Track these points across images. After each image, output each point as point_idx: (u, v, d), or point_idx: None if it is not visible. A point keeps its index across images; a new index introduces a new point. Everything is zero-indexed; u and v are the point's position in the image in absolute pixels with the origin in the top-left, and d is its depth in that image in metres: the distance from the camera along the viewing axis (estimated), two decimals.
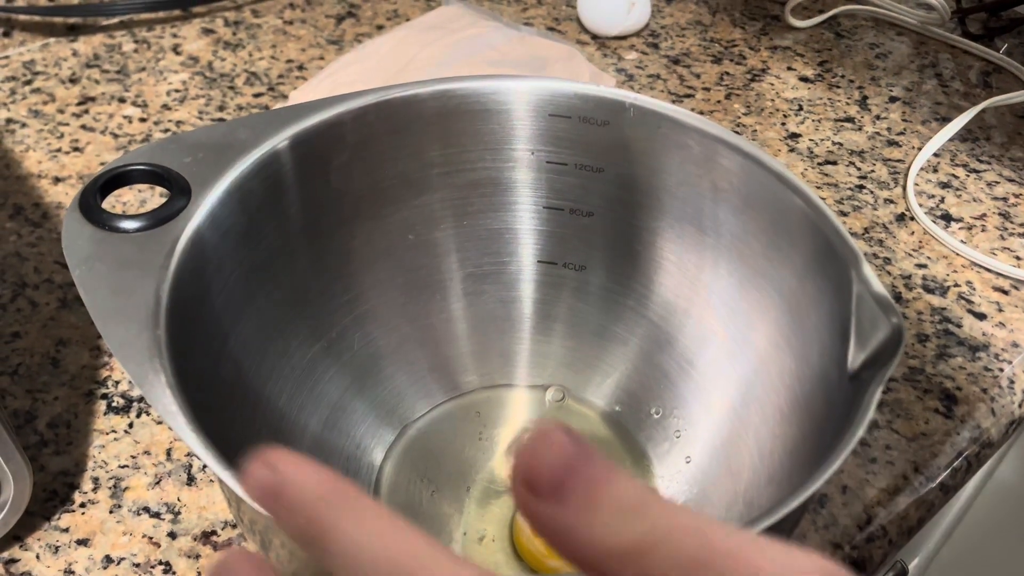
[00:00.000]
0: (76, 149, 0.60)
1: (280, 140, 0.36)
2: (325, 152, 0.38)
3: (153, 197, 0.56)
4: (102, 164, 0.59)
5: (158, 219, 0.33)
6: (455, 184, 0.43)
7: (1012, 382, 0.48)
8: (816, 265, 0.35)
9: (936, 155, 0.61)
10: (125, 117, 0.63)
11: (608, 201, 0.42)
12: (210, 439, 0.27)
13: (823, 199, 0.39)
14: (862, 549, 0.41)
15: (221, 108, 0.64)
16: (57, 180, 0.58)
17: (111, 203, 0.55)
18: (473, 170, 0.42)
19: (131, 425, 0.44)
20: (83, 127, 0.62)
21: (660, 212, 0.41)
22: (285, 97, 0.64)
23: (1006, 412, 0.47)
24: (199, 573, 0.39)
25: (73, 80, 0.66)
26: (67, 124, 0.62)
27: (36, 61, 0.67)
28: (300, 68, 0.67)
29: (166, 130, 0.62)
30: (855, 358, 0.31)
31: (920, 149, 0.61)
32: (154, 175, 0.34)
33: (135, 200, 0.56)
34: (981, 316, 0.51)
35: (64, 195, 0.57)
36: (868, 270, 0.33)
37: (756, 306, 0.38)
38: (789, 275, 0.37)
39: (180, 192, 0.34)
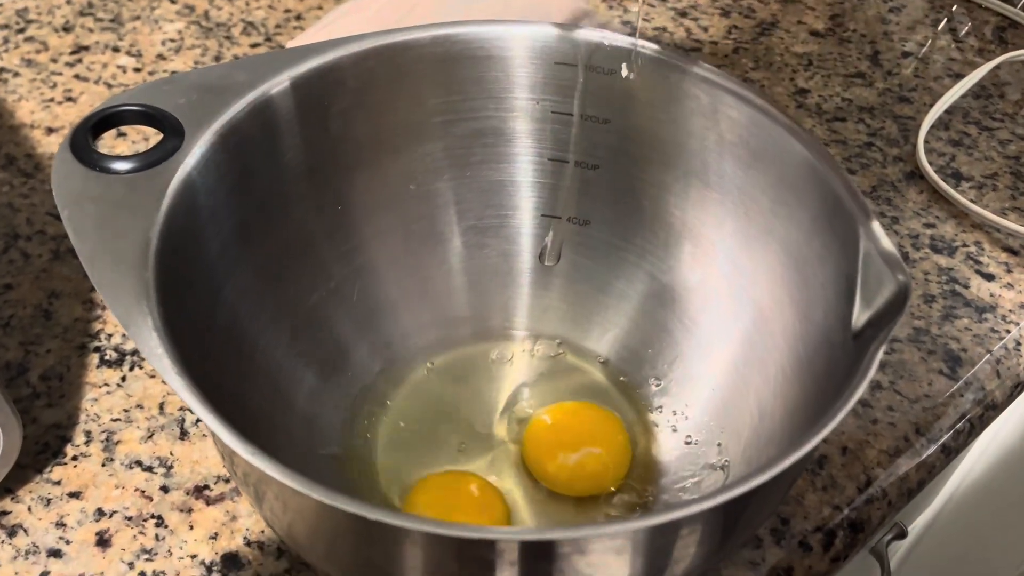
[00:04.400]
0: (69, 99, 0.59)
1: (278, 83, 0.35)
2: (324, 96, 0.37)
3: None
4: None
5: (150, 160, 0.32)
6: (457, 133, 0.42)
7: (1019, 344, 0.47)
8: (823, 221, 0.35)
9: (948, 112, 0.60)
10: (119, 67, 0.61)
11: (614, 153, 0.41)
12: (199, 385, 0.27)
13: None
14: (860, 511, 0.41)
15: (217, 58, 0.62)
16: (50, 130, 0.56)
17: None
18: (475, 119, 0.41)
19: (124, 379, 0.44)
20: (76, 77, 0.60)
21: (666, 165, 0.40)
22: (282, 47, 0.63)
23: (1011, 374, 0.47)
24: (191, 527, 0.38)
25: (67, 28, 0.64)
26: (60, 74, 0.61)
27: (29, 9, 0.66)
28: (298, 18, 0.66)
29: None
30: (859, 316, 0.31)
31: (931, 106, 0.60)
32: (147, 116, 0.33)
33: (130, 151, 0.55)
34: (989, 277, 0.50)
35: (57, 145, 0.56)
36: (877, 226, 0.32)
37: (761, 262, 0.37)
38: (795, 231, 0.36)
39: (173, 133, 0.33)
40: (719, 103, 0.37)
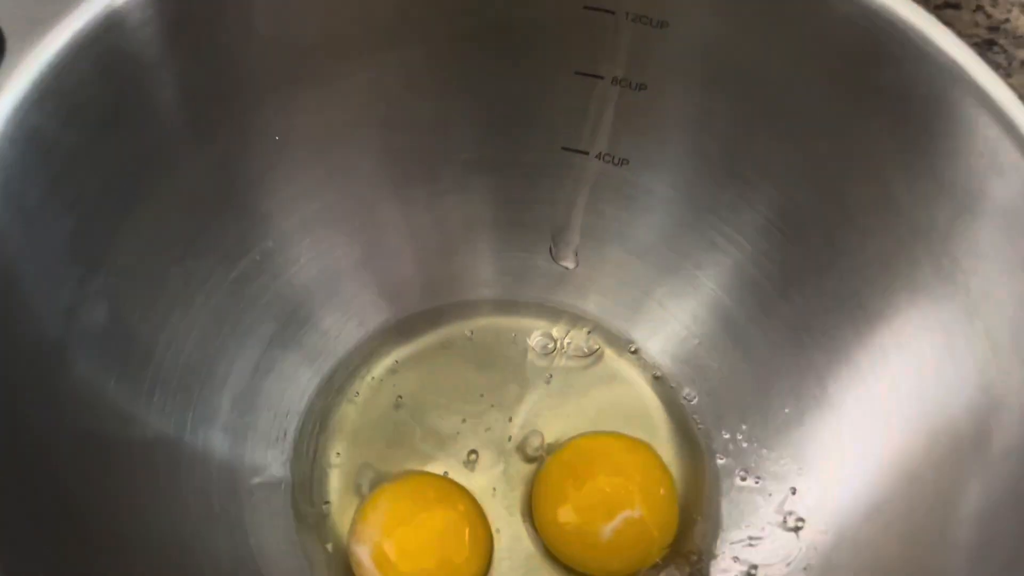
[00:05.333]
0: None
1: None
2: None
3: None
4: None
5: None
6: (443, 34, 0.29)
7: None
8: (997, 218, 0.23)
9: None
10: None
11: (672, 71, 0.28)
12: None
13: None
14: None
15: None
16: None
17: None
18: (476, 12, 0.28)
19: None
20: None
21: (749, 96, 0.27)
22: None
23: None
24: None
25: None
26: None
27: None
28: None
29: None
30: None
31: None
32: None
33: None
34: None
35: None
36: None
37: (894, 257, 0.26)
38: (965, 240, 0.24)
39: None
40: (842, 9, 0.24)
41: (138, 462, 0.25)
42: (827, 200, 0.27)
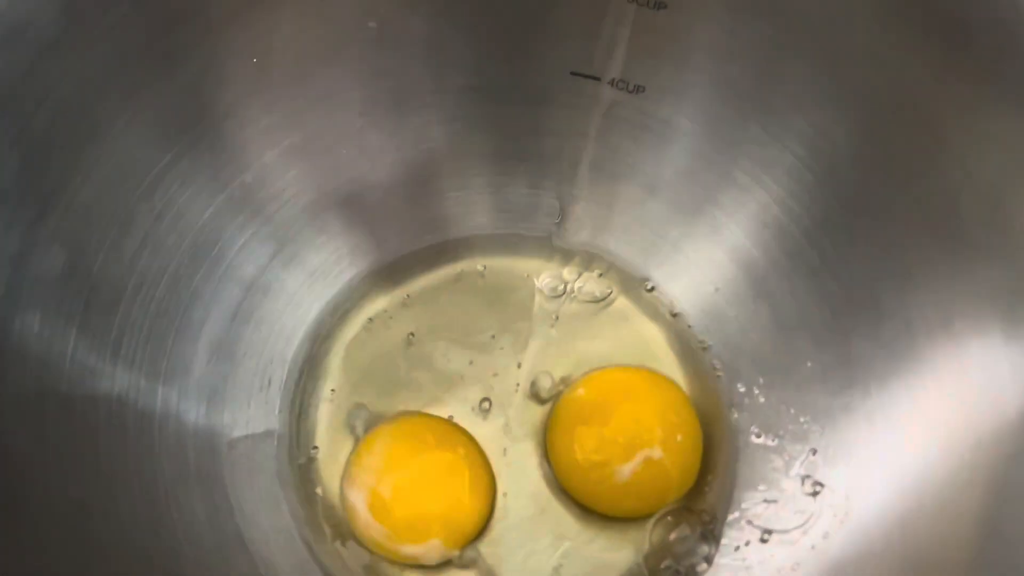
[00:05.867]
0: None
1: None
2: None
3: None
4: None
5: None
6: None
7: None
8: None
9: None
10: None
11: None
12: None
13: None
14: None
15: None
16: None
17: None
18: None
19: None
20: None
21: (782, 21, 0.24)
22: None
23: None
24: None
25: None
26: None
27: None
28: None
29: None
30: None
31: None
32: None
33: None
34: None
35: None
36: None
37: (949, 215, 0.23)
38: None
39: None
40: None
41: (103, 420, 0.23)
42: (865, 138, 0.24)
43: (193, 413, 0.26)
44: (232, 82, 0.26)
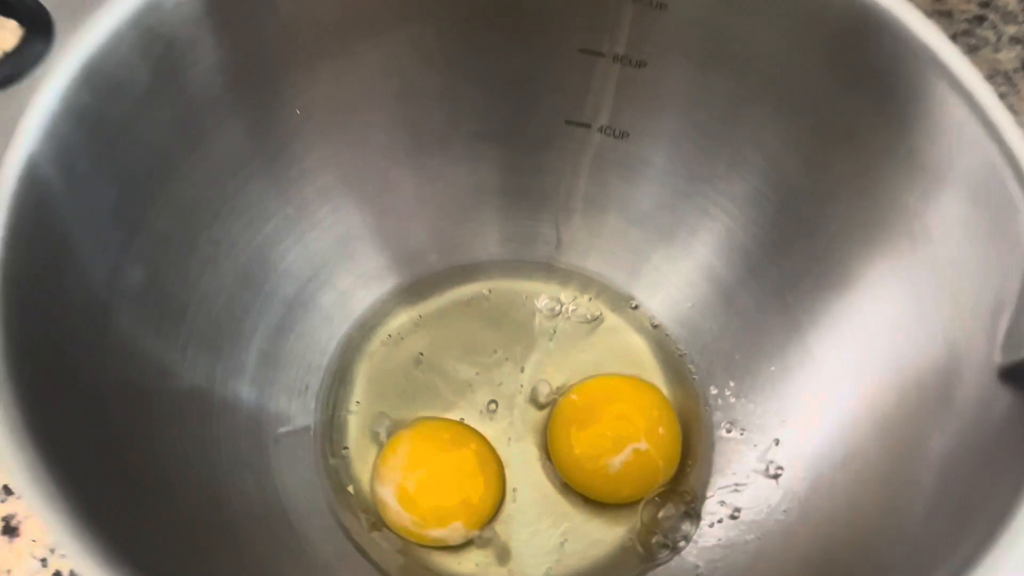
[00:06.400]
0: None
1: None
2: None
3: None
4: None
5: (8, 73, 0.22)
6: (456, 9, 0.31)
7: None
8: (982, 196, 0.24)
9: None
10: None
11: (670, 49, 0.30)
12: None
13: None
14: None
15: None
16: None
17: None
18: None
19: None
20: None
21: (744, 74, 0.29)
22: None
23: None
24: None
25: None
26: None
27: None
28: None
29: None
30: (1012, 347, 0.22)
31: None
32: None
33: None
34: None
35: None
36: None
37: (871, 231, 0.28)
38: (931, 205, 0.26)
39: (38, 30, 0.22)
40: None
41: (175, 411, 0.27)
42: (813, 172, 0.29)
43: (244, 410, 0.30)
44: (280, 128, 0.30)
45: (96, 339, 0.25)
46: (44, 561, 0.30)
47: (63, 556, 0.30)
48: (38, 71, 0.22)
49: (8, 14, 0.23)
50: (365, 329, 0.34)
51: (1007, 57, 0.45)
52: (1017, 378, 0.21)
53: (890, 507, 0.26)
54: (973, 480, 0.22)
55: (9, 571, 0.30)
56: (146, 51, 0.25)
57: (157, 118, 0.26)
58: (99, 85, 0.24)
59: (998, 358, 0.22)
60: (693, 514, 0.31)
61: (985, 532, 0.20)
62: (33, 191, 0.22)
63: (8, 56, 0.22)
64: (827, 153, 0.29)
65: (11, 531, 0.31)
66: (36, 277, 0.22)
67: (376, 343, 0.34)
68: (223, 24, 0.27)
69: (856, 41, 0.26)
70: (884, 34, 0.25)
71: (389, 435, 0.32)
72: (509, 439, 0.33)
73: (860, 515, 0.27)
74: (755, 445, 0.31)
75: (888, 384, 0.27)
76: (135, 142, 0.25)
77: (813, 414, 0.30)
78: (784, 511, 0.29)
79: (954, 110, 0.24)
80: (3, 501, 0.31)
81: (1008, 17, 0.46)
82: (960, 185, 0.24)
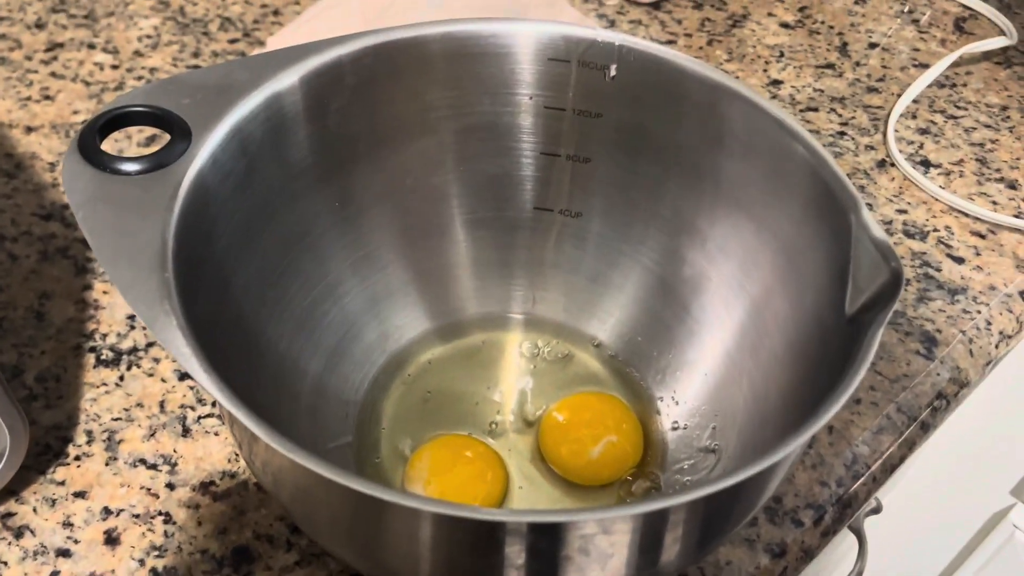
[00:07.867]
0: (47, 97, 0.58)
1: (280, 82, 0.36)
2: (324, 94, 0.37)
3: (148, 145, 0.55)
4: (75, 113, 0.57)
5: (159, 162, 0.32)
6: (453, 128, 0.42)
7: (989, 323, 0.49)
8: (814, 211, 0.36)
9: (915, 102, 0.62)
10: (96, 64, 0.61)
11: (606, 147, 0.42)
12: (223, 382, 0.27)
13: None
14: (848, 488, 0.42)
15: (196, 55, 0.62)
16: (29, 130, 0.56)
17: None
18: (472, 114, 0.42)
19: (122, 378, 0.44)
20: (53, 74, 0.60)
21: (658, 159, 0.41)
22: (262, 43, 0.63)
23: (983, 352, 0.49)
24: (199, 522, 0.39)
25: (39, 25, 0.64)
26: (36, 71, 0.60)
27: (0, 6, 0.65)
28: (275, 13, 0.66)
29: (140, 77, 0.60)
30: (853, 302, 0.32)
31: (899, 96, 0.62)
32: (153, 117, 0.33)
33: (113, 150, 0.54)
34: (959, 260, 0.52)
35: (37, 145, 0.55)
36: (867, 215, 0.33)
37: (752, 252, 0.39)
38: (786, 221, 0.38)
39: (181, 135, 0.33)
40: (712, 98, 0.38)
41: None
42: (715, 221, 0.41)
43: (303, 427, 0.39)
44: (325, 216, 0.41)
45: (219, 295, 0.34)
46: (141, 562, 0.38)
47: (159, 556, 0.37)
48: (182, 160, 0.33)
49: (161, 126, 0.33)
50: (389, 372, 0.43)
51: (864, 159, 0.58)
52: (857, 324, 0.32)
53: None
54: (820, 383, 0.31)
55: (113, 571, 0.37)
56: (244, 152, 0.35)
57: (249, 196, 0.36)
58: (214, 173, 0.34)
59: (848, 310, 0.32)
60: (657, 486, 0.40)
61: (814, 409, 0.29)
62: (197, 194, 0.32)
63: (162, 149, 0.33)
64: (726, 205, 0.40)
65: (113, 541, 0.38)
66: (190, 249, 0.31)
67: (397, 382, 0.43)
68: (301, 127, 0.38)
69: (724, 115, 0.38)
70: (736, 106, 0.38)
71: (412, 450, 0.41)
72: (509, 450, 0.41)
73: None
74: (698, 433, 0.41)
75: (781, 360, 0.37)
76: (236, 211, 0.36)
77: (738, 405, 0.40)
78: (713, 470, 0.38)
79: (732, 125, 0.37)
80: (104, 519, 0.39)
81: (863, 131, 0.60)
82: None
